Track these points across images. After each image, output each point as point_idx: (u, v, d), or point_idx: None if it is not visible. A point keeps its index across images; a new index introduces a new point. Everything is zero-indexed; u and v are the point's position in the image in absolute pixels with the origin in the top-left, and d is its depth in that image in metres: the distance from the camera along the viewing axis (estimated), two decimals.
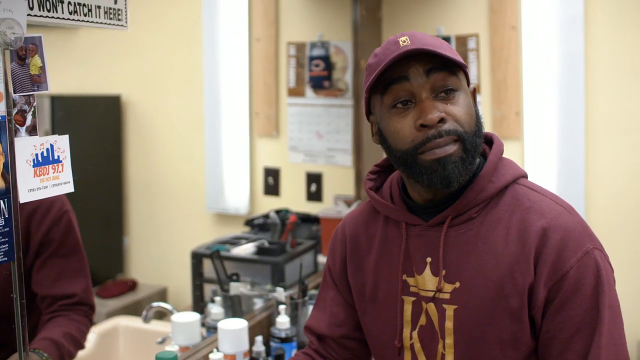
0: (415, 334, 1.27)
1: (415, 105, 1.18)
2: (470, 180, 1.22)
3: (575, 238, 1.15)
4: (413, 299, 1.27)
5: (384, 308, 1.32)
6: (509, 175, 1.24)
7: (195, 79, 3.39)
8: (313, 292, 2.36)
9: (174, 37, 3.45)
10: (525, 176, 1.28)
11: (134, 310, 3.15)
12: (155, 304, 2.27)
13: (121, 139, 3.60)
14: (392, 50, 1.18)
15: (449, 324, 1.22)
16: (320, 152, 3.14)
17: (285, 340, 1.98)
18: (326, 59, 3.11)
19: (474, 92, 1.28)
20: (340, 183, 3.07)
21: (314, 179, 3.15)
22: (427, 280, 1.24)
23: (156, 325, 2.35)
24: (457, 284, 1.21)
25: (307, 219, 2.88)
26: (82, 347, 1.77)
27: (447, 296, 1.22)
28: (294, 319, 2.05)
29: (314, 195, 3.14)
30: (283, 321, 2.00)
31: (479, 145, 1.21)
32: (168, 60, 3.49)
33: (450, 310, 1.21)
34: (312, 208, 3.02)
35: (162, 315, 2.39)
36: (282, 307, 2.03)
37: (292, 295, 2.09)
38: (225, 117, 3.32)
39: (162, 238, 3.57)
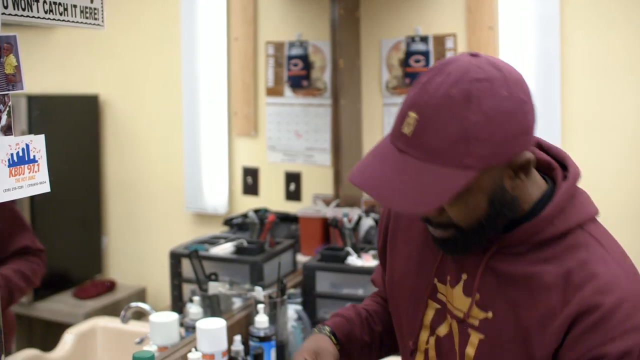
0: (432, 340, 1.21)
1: None
2: (532, 211, 1.10)
3: (626, 316, 1.00)
4: (438, 306, 1.21)
5: (407, 303, 1.27)
6: (575, 219, 1.09)
7: (174, 79, 3.38)
8: (292, 291, 2.37)
9: (152, 36, 3.44)
10: (594, 218, 1.13)
11: (112, 310, 3.14)
12: (133, 304, 2.26)
13: (99, 138, 3.58)
14: (396, 125, 1.06)
15: (470, 351, 1.14)
16: (299, 151, 3.14)
17: (264, 339, 1.98)
18: (305, 58, 3.12)
19: (528, 162, 1.05)
20: (319, 182, 3.07)
21: (293, 179, 3.15)
22: (457, 297, 1.16)
23: (134, 326, 2.34)
24: (490, 314, 1.12)
25: (286, 218, 2.89)
26: (33, 284, 2.15)
27: (475, 322, 1.13)
28: (272, 318, 2.05)
29: (293, 195, 3.14)
30: (262, 320, 2.00)
31: (489, 231, 1.09)
32: (146, 59, 3.48)
33: (475, 338, 1.14)
34: (291, 207, 3.03)
35: (140, 315, 2.38)
36: (260, 306, 2.03)
37: (271, 295, 2.09)
38: (204, 116, 3.31)
39: (141, 238, 3.56)
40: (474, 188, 1.03)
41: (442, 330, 1.20)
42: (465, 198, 1.04)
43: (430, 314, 1.22)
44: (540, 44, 2.86)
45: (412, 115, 1.01)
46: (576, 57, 2.84)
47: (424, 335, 1.23)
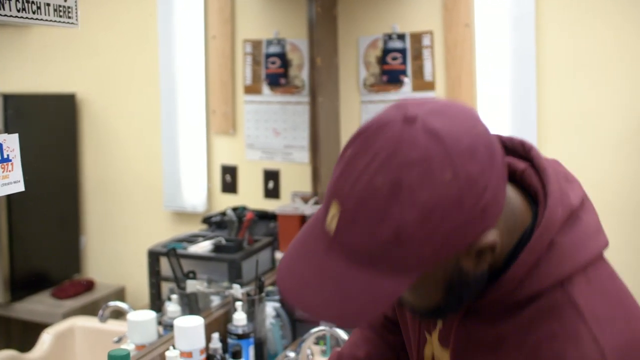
0: None
1: None
2: (507, 261, 0.90)
3: None
4: (430, 353, 1.08)
5: (409, 330, 1.15)
6: (553, 276, 0.88)
7: (151, 77, 3.37)
8: (270, 288, 2.38)
9: (129, 35, 3.42)
10: (585, 267, 0.90)
11: (91, 310, 3.12)
12: (111, 303, 2.26)
13: (76, 137, 3.56)
14: (320, 215, 0.89)
15: None
16: (277, 149, 3.14)
17: (242, 336, 1.99)
18: (282, 56, 3.12)
19: (490, 247, 0.83)
20: (298, 180, 3.08)
21: (271, 176, 3.15)
22: (436, 345, 1.04)
23: (113, 325, 2.34)
24: None
25: (265, 216, 2.89)
26: None
27: None
28: (250, 316, 2.06)
29: (272, 192, 3.15)
30: (240, 318, 2.01)
31: (451, 309, 0.93)
32: (123, 58, 3.46)
33: None
34: (270, 205, 3.03)
35: (118, 314, 2.38)
36: (238, 304, 2.04)
37: (249, 292, 2.10)
38: (182, 115, 3.30)
39: (119, 237, 3.54)
40: (423, 281, 0.84)
41: None
42: (414, 290, 0.88)
43: (429, 351, 1.08)
44: (516, 41, 2.88)
45: (335, 206, 0.82)
46: (552, 54, 2.87)
47: None
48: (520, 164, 0.98)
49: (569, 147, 2.87)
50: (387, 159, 0.78)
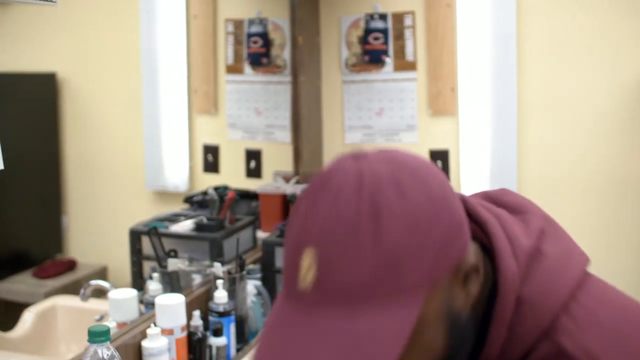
0: None
1: None
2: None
3: None
4: None
5: None
6: (530, 336, 0.81)
7: (133, 56, 3.35)
8: (251, 266, 2.39)
9: (110, 13, 3.40)
10: (563, 308, 0.81)
11: (73, 290, 3.12)
12: (93, 282, 2.27)
13: (57, 117, 3.54)
14: (290, 281, 0.76)
15: None
16: (259, 128, 3.15)
17: (223, 314, 2.01)
18: (264, 35, 3.12)
19: (474, 269, 0.80)
20: (279, 159, 3.09)
21: (253, 156, 3.16)
22: None
23: (94, 304, 2.34)
24: None
25: (247, 195, 2.90)
26: None
27: None
28: (231, 294, 2.07)
29: (253, 172, 3.15)
30: (221, 296, 2.02)
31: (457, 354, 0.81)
32: (105, 37, 3.44)
33: None
34: (252, 184, 3.04)
35: (100, 293, 2.38)
36: (219, 282, 2.05)
37: (230, 270, 2.11)
38: (164, 94, 3.29)
39: (101, 217, 3.54)
40: (423, 321, 0.74)
41: None
42: (416, 338, 0.74)
43: None
44: (497, 21, 2.90)
45: (308, 255, 0.73)
46: (532, 34, 2.89)
47: None
48: None
49: (549, 126, 2.90)
50: (355, 189, 0.72)
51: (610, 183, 2.87)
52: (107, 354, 1.31)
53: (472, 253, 0.79)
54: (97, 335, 1.32)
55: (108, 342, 1.33)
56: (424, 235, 0.72)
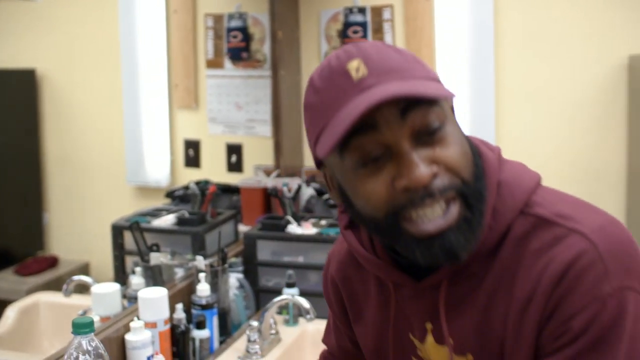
0: None
1: (391, 158, 0.87)
2: None
3: (590, 279, 0.86)
4: None
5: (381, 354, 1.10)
6: (511, 210, 0.93)
7: (112, 52, 3.35)
8: (233, 260, 2.41)
9: (89, 9, 3.39)
10: (533, 190, 0.96)
11: (55, 286, 3.11)
12: (75, 277, 2.28)
13: (37, 113, 3.53)
14: (343, 88, 0.87)
15: None
16: (240, 123, 3.16)
17: (205, 307, 2.02)
18: (244, 30, 3.12)
19: (452, 107, 0.96)
20: (260, 153, 3.10)
21: (234, 150, 3.17)
22: (433, 351, 1.01)
23: (77, 299, 2.35)
24: (471, 357, 0.97)
25: (228, 190, 2.91)
26: None
27: None
28: (214, 287, 2.09)
29: (235, 166, 3.16)
30: (203, 289, 2.03)
31: (483, 189, 0.92)
32: (84, 33, 3.43)
33: None
34: (233, 178, 3.05)
35: (83, 289, 2.39)
36: (202, 275, 2.06)
37: (212, 263, 2.12)
38: (144, 89, 3.29)
39: (83, 213, 3.54)
40: (449, 118, 0.91)
41: None
42: (450, 130, 0.89)
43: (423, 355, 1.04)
44: (475, 14, 2.93)
45: (353, 63, 0.87)
46: (509, 26, 2.92)
47: None
48: None
49: (526, 116, 2.94)
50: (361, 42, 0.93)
51: (586, 174, 2.91)
52: (92, 346, 1.32)
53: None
54: (81, 327, 1.33)
55: (92, 334, 1.34)
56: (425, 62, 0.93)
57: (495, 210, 0.92)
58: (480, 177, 0.92)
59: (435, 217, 0.86)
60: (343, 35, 3.06)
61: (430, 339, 1.01)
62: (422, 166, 0.85)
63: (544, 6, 2.89)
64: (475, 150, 0.95)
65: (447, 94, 0.85)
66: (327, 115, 0.87)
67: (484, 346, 0.95)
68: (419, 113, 0.86)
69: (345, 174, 0.91)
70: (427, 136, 0.87)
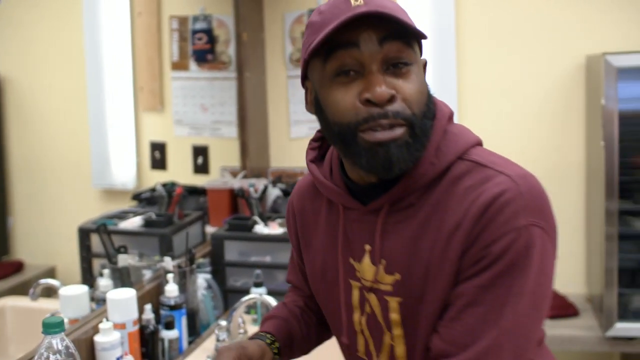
0: (363, 320, 1.18)
1: (362, 76, 1.04)
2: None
3: (510, 211, 1.00)
4: (359, 284, 1.17)
5: (334, 290, 1.23)
6: (452, 153, 1.08)
7: (77, 54, 3.33)
8: (201, 260, 2.42)
9: (52, 11, 3.37)
10: (474, 145, 1.12)
11: (21, 291, 3.08)
12: (42, 281, 2.27)
13: (1, 117, 3.50)
14: (341, 9, 1.03)
15: (394, 316, 1.12)
16: (206, 124, 3.17)
17: (174, 307, 2.04)
18: (209, 32, 3.14)
19: (424, 67, 1.14)
20: (226, 155, 3.12)
21: (200, 152, 3.18)
22: (367, 270, 1.14)
23: (44, 303, 2.34)
24: (398, 276, 1.10)
25: (195, 191, 2.93)
26: None
27: (388, 288, 1.12)
28: (182, 287, 2.10)
29: (201, 168, 3.18)
30: (171, 289, 2.05)
31: (429, 128, 1.07)
32: (47, 35, 3.41)
33: (394, 302, 1.12)
34: (199, 180, 3.06)
35: (50, 292, 2.38)
36: (170, 276, 2.08)
37: (180, 264, 2.14)
38: (109, 92, 3.28)
39: (48, 217, 3.51)
40: (418, 63, 1.08)
41: (368, 308, 1.17)
42: (416, 71, 1.07)
43: (356, 295, 1.18)
44: (436, 14, 2.99)
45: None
46: (470, 24, 2.99)
47: (356, 316, 1.20)
48: None
49: (486, 114, 3.01)
50: None
51: (547, 170, 2.98)
52: (62, 345, 1.33)
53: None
54: (52, 327, 1.34)
55: (62, 334, 1.35)
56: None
57: (439, 150, 1.08)
58: (429, 118, 1.07)
59: (384, 131, 1.02)
60: None
61: (367, 259, 1.15)
62: (384, 86, 1.02)
63: (504, 6, 2.95)
64: (432, 98, 1.11)
65: (421, 33, 1.03)
66: (322, 29, 1.04)
67: (411, 268, 1.08)
68: (394, 46, 1.03)
69: (324, 81, 1.07)
70: (395, 68, 1.04)
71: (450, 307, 1.04)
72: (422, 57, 1.12)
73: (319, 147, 1.25)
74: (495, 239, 0.99)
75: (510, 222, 0.99)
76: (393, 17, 1.00)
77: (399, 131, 1.03)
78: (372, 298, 1.15)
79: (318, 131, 1.25)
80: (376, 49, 1.02)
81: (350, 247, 1.17)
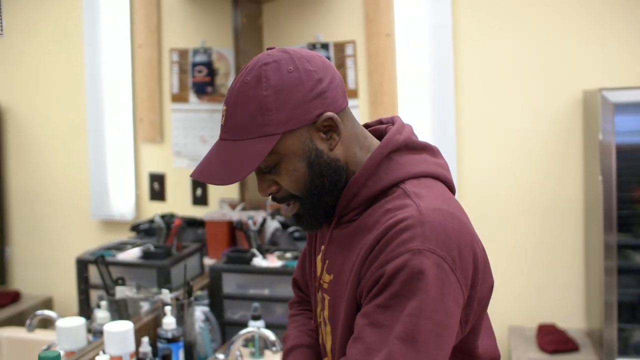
0: (323, 314, 1.32)
1: None
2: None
3: (407, 235, 1.09)
4: (316, 283, 1.34)
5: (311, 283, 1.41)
6: (388, 179, 1.19)
7: (77, 85, 3.35)
8: (199, 293, 2.41)
9: (54, 43, 3.40)
10: (418, 176, 1.20)
11: (18, 322, 3.07)
12: (39, 312, 2.26)
13: (1, 147, 3.51)
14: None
15: (326, 313, 1.28)
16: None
17: (171, 340, 2.02)
18: (209, 65, 3.16)
19: (332, 119, 1.17)
20: (225, 187, 3.11)
21: (199, 184, 3.19)
22: (319, 267, 1.31)
23: (41, 334, 2.33)
24: (332, 276, 1.25)
25: (193, 223, 2.93)
26: None
27: (326, 286, 1.27)
28: (180, 320, 2.09)
29: (200, 200, 3.18)
30: (169, 322, 2.04)
31: (323, 197, 1.21)
32: (49, 67, 3.43)
33: (326, 300, 1.27)
34: (198, 212, 3.07)
35: (47, 324, 2.37)
36: (167, 309, 2.07)
37: (178, 297, 2.13)
38: (109, 123, 3.30)
39: (46, 247, 3.51)
40: (287, 154, 1.17)
41: (320, 303, 1.33)
42: (284, 166, 1.18)
43: (319, 295, 1.33)
44: (435, 50, 3.01)
45: (223, 108, 1.18)
46: (468, 62, 3.01)
47: (318, 310, 1.34)
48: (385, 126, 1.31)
49: (486, 149, 3.01)
50: (253, 65, 1.16)
51: (544, 205, 2.98)
52: None
53: (330, 113, 1.16)
54: None
55: None
56: (285, 98, 1.13)
57: (375, 175, 1.20)
58: (319, 191, 1.20)
59: (288, 207, 1.24)
60: None
61: (320, 258, 1.31)
62: (263, 186, 1.21)
63: (501, 43, 2.98)
64: (327, 170, 1.20)
65: (233, 180, 1.14)
66: None
67: (340, 271, 1.23)
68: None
69: None
70: (269, 171, 1.19)
71: (355, 328, 1.13)
72: (320, 117, 1.17)
73: None
74: (389, 260, 1.09)
75: (405, 244, 1.08)
76: (213, 183, 1.18)
77: (294, 207, 1.23)
78: (319, 294, 1.31)
79: None
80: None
81: (318, 246, 1.35)
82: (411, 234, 1.08)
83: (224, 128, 1.17)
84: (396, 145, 1.22)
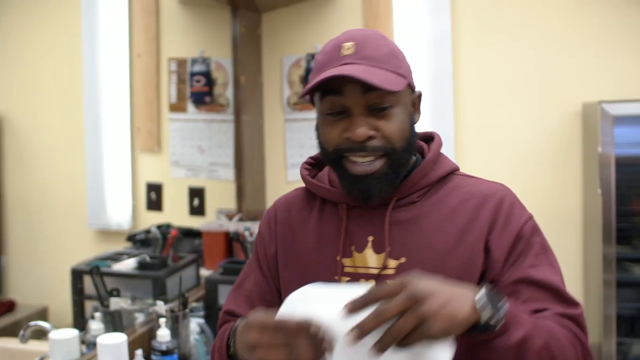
0: None
1: (348, 116, 1.20)
2: (410, 170, 1.28)
3: (520, 205, 1.30)
4: (347, 279, 1.27)
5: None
6: (448, 167, 1.30)
7: (75, 95, 3.35)
8: (195, 304, 2.40)
9: (52, 53, 3.40)
10: (458, 169, 1.35)
11: (12, 332, 3.06)
12: (32, 323, 2.23)
13: None
14: (332, 56, 1.21)
15: None
16: (202, 166, 3.17)
17: (166, 352, 2.00)
18: (207, 74, 3.15)
19: (419, 98, 1.29)
20: (223, 197, 3.11)
21: (197, 194, 3.17)
22: (369, 258, 1.26)
23: (34, 345, 2.31)
24: (403, 259, 1.23)
25: (190, 233, 2.91)
26: None
27: (391, 272, 1.23)
28: (174, 332, 2.07)
29: (197, 210, 3.16)
30: (163, 334, 2.02)
31: (406, 160, 1.25)
32: (47, 76, 3.43)
33: None
34: (195, 222, 3.05)
35: (40, 334, 2.35)
36: (162, 320, 2.05)
37: (173, 308, 2.11)
38: (107, 132, 3.29)
39: (42, 257, 3.49)
40: (402, 102, 1.22)
41: None
42: (397, 110, 1.20)
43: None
44: (434, 62, 3.00)
45: (348, 44, 1.20)
46: (467, 72, 3.00)
47: None
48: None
49: (484, 161, 3.00)
50: (361, 29, 1.26)
51: (544, 216, 2.96)
52: None
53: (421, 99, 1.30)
54: None
55: None
56: (403, 55, 1.24)
57: (436, 165, 1.29)
58: (408, 151, 1.24)
59: (362, 164, 1.20)
60: (305, 80, 3.10)
61: (369, 249, 1.27)
62: (363, 128, 1.18)
63: (501, 55, 2.97)
64: (415, 134, 1.28)
65: (392, 88, 1.16)
66: (318, 71, 1.22)
67: (417, 252, 1.23)
68: (375, 93, 1.17)
69: (320, 114, 1.25)
70: (377, 110, 1.19)
71: (516, 295, 1.21)
72: (415, 91, 1.28)
73: (310, 169, 1.42)
74: (522, 224, 1.25)
75: (525, 212, 1.29)
76: (369, 83, 1.14)
77: (376, 164, 1.20)
78: (372, 285, 1.26)
79: (310, 157, 1.43)
80: (359, 96, 1.18)
81: (348, 244, 1.29)
82: (521, 204, 1.30)
83: (355, 56, 1.19)
84: (440, 148, 1.34)
